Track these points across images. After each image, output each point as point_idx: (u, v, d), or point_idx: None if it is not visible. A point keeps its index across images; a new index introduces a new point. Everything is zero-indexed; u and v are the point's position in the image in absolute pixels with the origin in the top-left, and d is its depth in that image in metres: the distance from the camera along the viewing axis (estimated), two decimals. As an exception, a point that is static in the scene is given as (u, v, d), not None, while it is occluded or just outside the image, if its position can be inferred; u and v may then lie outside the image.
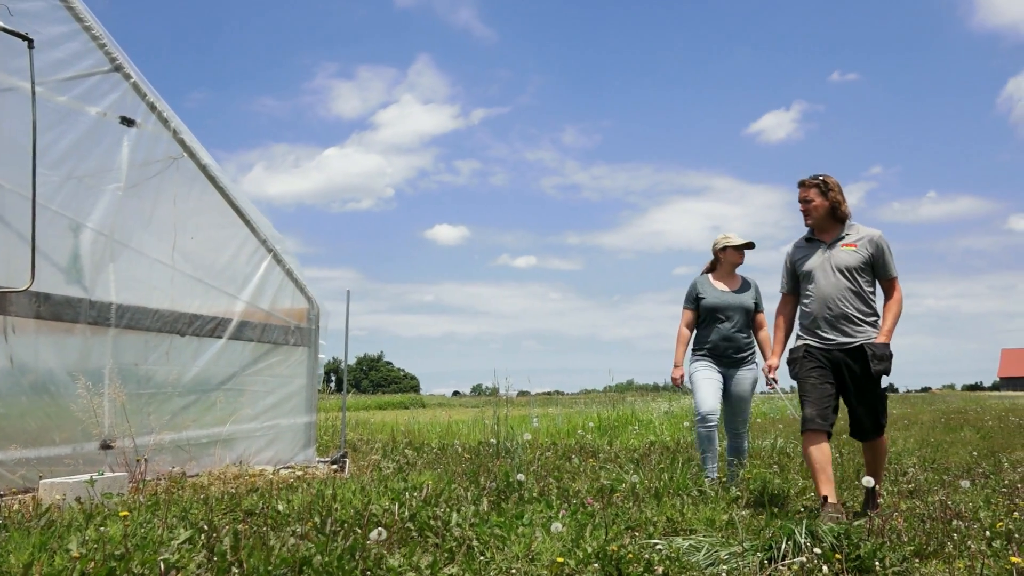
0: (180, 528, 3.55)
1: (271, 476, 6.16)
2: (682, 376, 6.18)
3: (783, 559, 3.30)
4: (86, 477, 4.80)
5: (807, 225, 5.08)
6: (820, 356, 4.93)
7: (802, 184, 5.06)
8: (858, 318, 4.90)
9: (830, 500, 4.51)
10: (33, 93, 5.02)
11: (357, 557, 3.17)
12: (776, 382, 5.49)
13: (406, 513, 4.00)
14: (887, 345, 4.82)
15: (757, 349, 6.22)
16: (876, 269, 4.95)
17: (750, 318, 6.13)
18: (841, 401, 4.95)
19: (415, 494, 4.88)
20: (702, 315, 6.17)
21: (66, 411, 5.30)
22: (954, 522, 4.20)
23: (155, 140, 6.06)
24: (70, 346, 5.46)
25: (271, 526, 3.87)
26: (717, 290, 6.18)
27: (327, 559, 3.08)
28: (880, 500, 5.09)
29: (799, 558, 3.20)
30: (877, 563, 3.23)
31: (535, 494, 5.18)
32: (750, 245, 6.26)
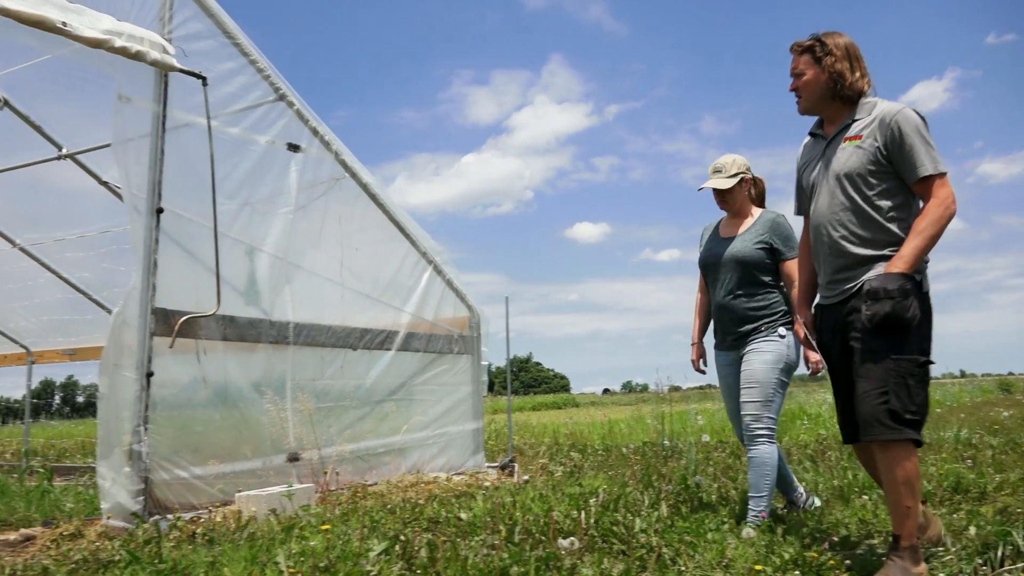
0: (374, 539, 3.66)
1: (445, 483, 6.29)
2: (697, 358, 4.81)
3: (1002, 564, 3.08)
4: (278, 489, 5.03)
5: (800, 111, 3.53)
6: (826, 323, 3.47)
7: (792, 50, 3.49)
8: (865, 255, 3.25)
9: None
10: (209, 128, 5.29)
11: (551, 566, 3.17)
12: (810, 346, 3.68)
13: (592, 520, 3.98)
14: (899, 276, 3.06)
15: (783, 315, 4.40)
16: (897, 169, 3.20)
17: (755, 273, 4.38)
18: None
19: (592, 499, 4.86)
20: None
21: (255, 426, 5.57)
22: None
23: (319, 163, 6.29)
24: (254, 364, 5.74)
25: (458, 535, 3.94)
26: (713, 239, 4.64)
27: (523, 569, 3.11)
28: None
29: (1021, 563, 2.98)
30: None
31: (713, 497, 5.07)
32: (716, 191, 4.56)
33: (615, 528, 4.00)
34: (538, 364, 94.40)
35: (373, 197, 6.70)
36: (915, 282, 3.09)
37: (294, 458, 5.71)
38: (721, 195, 4.54)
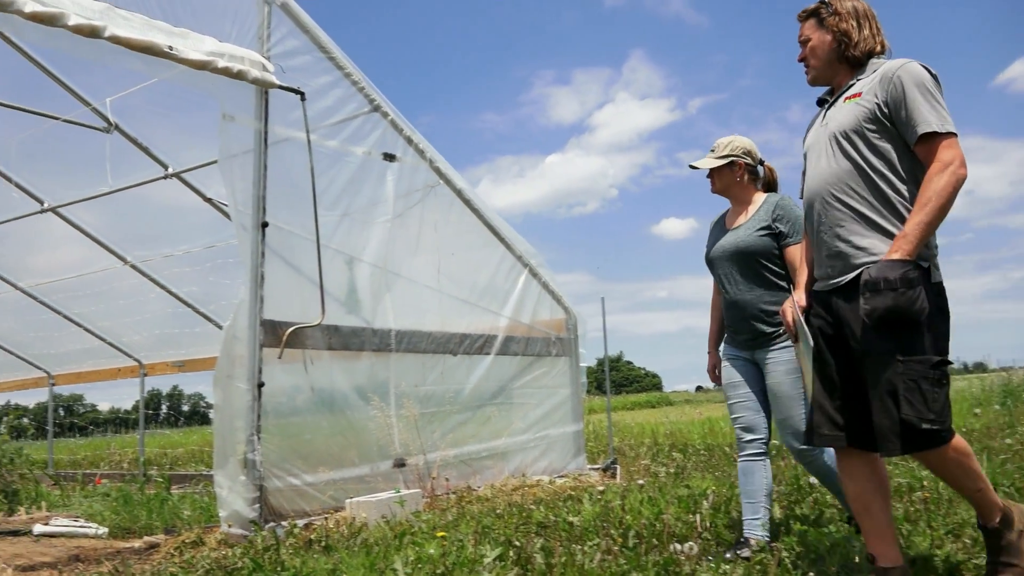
0: (486, 545, 3.66)
1: (549, 486, 6.28)
2: (713, 367, 4.25)
3: None
4: (388, 495, 5.10)
5: (809, 82, 3.18)
6: (821, 310, 3.03)
7: (798, 18, 3.19)
8: (864, 228, 2.85)
9: (879, 562, 2.83)
10: (308, 142, 5.40)
11: (670, 572, 3.12)
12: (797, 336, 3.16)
13: (707, 523, 3.91)
14: (902, 262, 2.65)
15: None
16: (900, 129, 2.81)
17: (763, 264, 3.90)
18: None
19: (703, 501, 4.78)
20: None
21: (362, 433, 5.67)
22: None
23: (414, 171, 6.36)
24: (359, 372, 5.84)
25: (570, 539, 3.91)
26: (718, 232, 4.18)
27: (641, 575, 3.06)
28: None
29: None
30: None
31: (828, 497, 4.92)
32: (710, 170, 4.15)
33: (730, 530, 3.92)
34: (629, 363, 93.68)
35: (467, 202, 6.75)
36: (922, 270, 2.70)
37: (400, 463, 5.78)
38: (710, 178, 4.15)
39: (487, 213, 6.90)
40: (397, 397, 5.95)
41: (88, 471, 11.13)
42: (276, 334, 5.13)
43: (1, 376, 12.12)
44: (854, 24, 2.99)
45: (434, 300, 6.53)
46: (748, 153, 4.10)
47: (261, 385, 4.94)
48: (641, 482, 5.85)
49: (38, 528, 5.46)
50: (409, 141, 6.28)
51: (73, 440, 21.62)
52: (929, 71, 2.80)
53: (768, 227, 3.89)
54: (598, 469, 7.34)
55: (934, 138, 2.70)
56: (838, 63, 3.04)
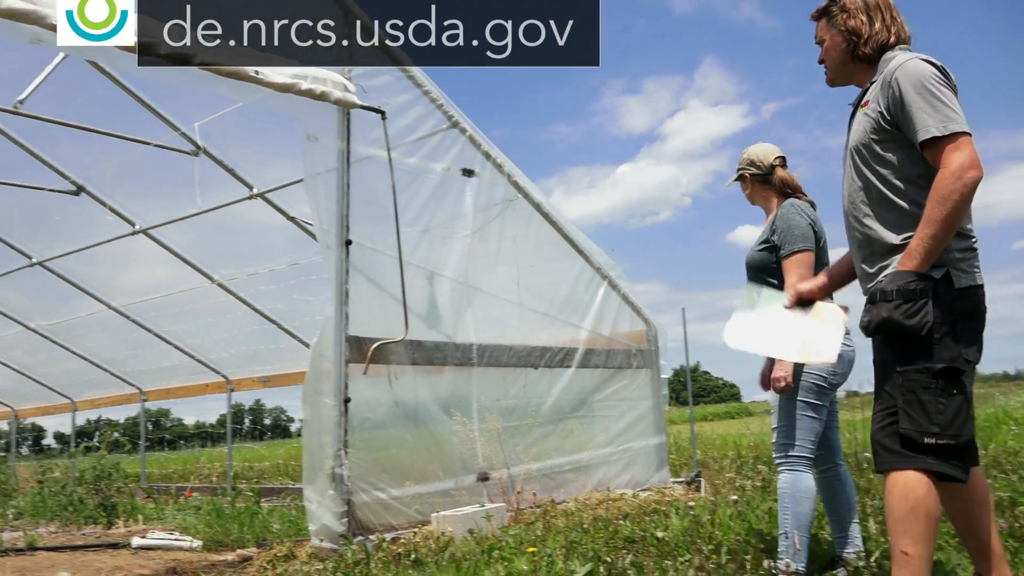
0: (575, 560, 3.64)
1: (632, 500, 6.21)
2: (763, 374, 3.79)
3: None
4: (473, 509, 5.12)
5: (827, 83, 3.00)
6: None
7: (811, 18, 3.02)
8: (885, 245, 2.66)
9: None
10: (390, 159, 5.48)
11: (766, 590, 3.06)
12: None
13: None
14: (905, 274, 2.51)
15: None
16: (907, 135, 2.59)
17: (768, 280, 3.69)
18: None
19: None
20: None
21: (446, 446, 5.71)
22: None
23: (492, 186, 6.40)
24: (442, 386, 5.88)
25: (659, 555, 3.86)
26: None
27: (737, 593, 3.00)
28: None
29: None
30: None
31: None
32: (738, 178, 4.02)
33: (824, 547, 3.82)
34: (706, 373, 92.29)
35: (546, 215, 6.76)
36: (932, 280, 2.49)
37: (484, 477, 5.80)
38: (742, 188, 4.04)
39: (565, 226, 6.90)
40: (480, 411, 5.98)
41: (179, 484, 11.45)
42: (361, 350, 5.21)
43: (96, 392, 12.58)
44: (864, 19, 2.80)
45: (514, 314, 6.55)
46: (752, 163, 3.96)
47: (347, 400, 5.01)
48: (735, 497, 5.73)
49: (136, 541, 5.63)
50: (487, 156, 6.33)
51: (163, 454, 22.28)
52: (933, 65, 2.59)
53: (767, 240, 3.74)
54: (682, 482, 7.25)
55: (938, 143, 2.49)
56: (852, 63, 2.86)
